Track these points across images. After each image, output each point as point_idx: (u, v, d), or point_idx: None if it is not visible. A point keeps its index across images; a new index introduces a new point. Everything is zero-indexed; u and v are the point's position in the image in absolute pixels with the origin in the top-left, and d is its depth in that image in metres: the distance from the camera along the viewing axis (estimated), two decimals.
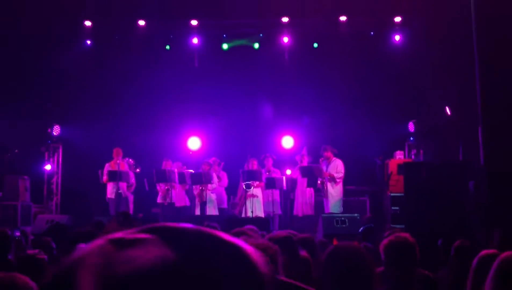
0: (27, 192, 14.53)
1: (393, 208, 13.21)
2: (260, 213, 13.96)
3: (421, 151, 14.72)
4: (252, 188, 14.16)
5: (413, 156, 14.86)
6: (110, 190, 14.59)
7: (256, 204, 14.10)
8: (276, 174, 14.42)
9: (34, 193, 15.00)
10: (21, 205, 13.85)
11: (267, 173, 14.35)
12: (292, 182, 14.71)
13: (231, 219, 13.59)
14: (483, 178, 10.68)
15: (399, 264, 4.12)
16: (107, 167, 14.65)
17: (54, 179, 16.17)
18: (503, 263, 2.69)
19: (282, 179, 14.28)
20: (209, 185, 14.52)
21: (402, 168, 12.93)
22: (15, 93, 15.24)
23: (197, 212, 14.37)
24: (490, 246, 6.45)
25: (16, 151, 14.92)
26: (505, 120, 10.58)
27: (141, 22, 16.52)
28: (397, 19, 15.89)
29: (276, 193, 14.42)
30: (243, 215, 13.95)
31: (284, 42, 16.67)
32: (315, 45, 16.75)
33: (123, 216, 7.64)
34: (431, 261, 5.52)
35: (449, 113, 13.83)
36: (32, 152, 15.77)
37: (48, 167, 16.17)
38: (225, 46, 17.06)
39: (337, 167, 13.92)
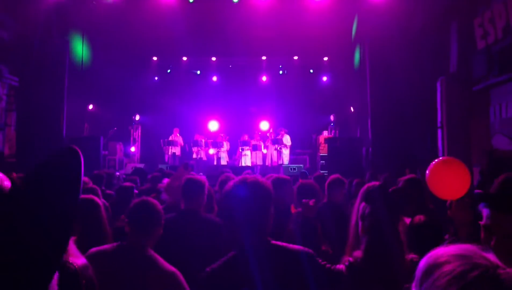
0: (121, 151, 14.49)
1: (321, 162, 13.29)
2: (249, 164, 14.01)
3: (337, 131, 14.79)
4: (244, 150, 14.20)
5: (332, 133, 14.92)
6: (168, 151, 14.62)
7: (246, 159, 14.14)
8: (258, 142, 14.44)
9: (125, 151, 14.96)
10: (118, 159, 13.81)
11: (254, 142, 14.38)
12: (266, 146, 14.74)
13: (233, 167, 13.61)
14: (369, 146, 10.78)
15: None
16: (170, 138, 14.69)
17: (136, 144, 16.11)
18: (367, 188, 2.80)
19: (261, 145, 14.32)
20: (221, 148, 14.55)
21: (327, 140, 13.03)
22: (117, 97, 15.09)
23: (215, 163, 14.40)
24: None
25: (115, 128, 14.82)
26: (381, 116, 10.61)
27: (184, 58, 16.35)
28: (325, 58, 15.85)
29: (259, 153, 14.45)
30: (240, 165, 13.99)
31: (262, 70, 16.63)
32: (280, 72, 16.71)
33: (185, 165, 7.78)
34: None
35: (352, 110, 13.87)
36: (124, 130, 15.68)
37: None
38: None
39: (287, 139, 14.01)
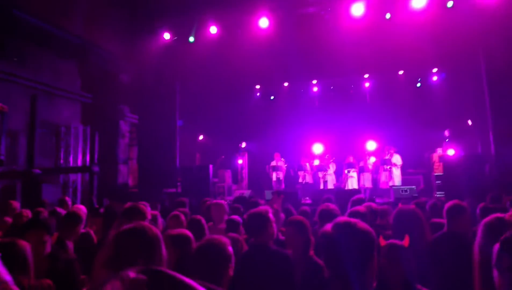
0: (229, 178, 14.97)
1: (437, 182, 12.14)
2: (356, 186, 13.39)
3: (454, 147, 13.45)
4: (350, 172, 13.66)
5: (448, 150, 13.60)
6: (273, 176, 14.68)
7: (353, 181, 13.56)
8: (366, 164, 13.74)
9: (233, 178, 15.44)
10: (226, 185, 14.28)
11: (361, 164, 13.74)
12: (375, 167, 13.95)
13: (339, 190, 13.13)
14: (493, 163, 9.56)
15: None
16: (272, 163, 14.74)
17: (244, 171, 16.56)
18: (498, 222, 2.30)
19: (368, 166, 13.63)
20: (327, 171, 14.20)
21: (442, 158, 11.93)
22: (224, 127, 15.81)
23: (321, 187, 14.06)
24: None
25: (223, 157, 15.45)
26: (505, 128, 9.40)
27: (286, 84, 16.56)
28: (434, 70, 14.71)
29: (368, 175, 13.70)
30: (346, 188, 13.46)
31: (365, 88, 16.05)
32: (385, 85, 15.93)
33: (277, 192, 7.75)
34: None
35: (470, 123, 12.55)
36: (232, 157, 16.25)
37: (240, 161, 16.64)
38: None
39: (397, 159, 13.10)
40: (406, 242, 2.56)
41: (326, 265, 1.66)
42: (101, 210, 4.33)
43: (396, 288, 2.42)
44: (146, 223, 1.79)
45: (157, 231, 1.73)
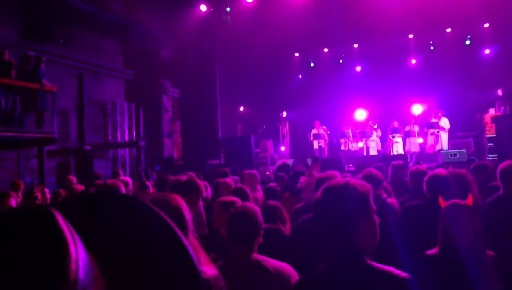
0: (272, 148, 15.00)
1: (489, 144, 11.56)
2: (401, 152, 13.01)
3: (507, 107, 12.69)
4: (395, 137, 13.28)
5: (501, 110, 12.85)
6: (315, 144, 14.55)
7: (398, 146, 13.19)
8: (412, 128, 13.28)
9: (275, 148, 15.47)
10: (269, 155, 14.34)
11: (407, 128, 13.30)
12: (422, 132, 13.47)
13: (384, 155, 12.83)
14: None
15: None
16: (313, 131, 14.58)
17: (286, 140, 16.51)
18: None
19: (415, 131, 13.18)
20: (370, 137, 13.92)
21: (495, 119, 11.31)
22: (264, 97, 15.76)
23: (364, 153, 13.82)
24: None
25: (264, 127, 15.43)
26: None
27: (325, 50, 16.14)
28: (486, 25, 13.73)
29: (414, 139, 13.25)
30: (391, 154, 13.12)
31: (410, 49, 15.32)
32: (431, 48, 15.11)
33: (315, 159, 7.68)
34: None
35: None
36: (273, 127, 16.18)
37: (281, 130, 16.59)
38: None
39: (445, 122, 12.56)
40: (469, 201, 2.36)
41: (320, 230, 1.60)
42: (148, 182, 4.51)
43: (460, 252, 2.18)
44: (168, 194, 1.84)
45: (181, 201, 1.75)
